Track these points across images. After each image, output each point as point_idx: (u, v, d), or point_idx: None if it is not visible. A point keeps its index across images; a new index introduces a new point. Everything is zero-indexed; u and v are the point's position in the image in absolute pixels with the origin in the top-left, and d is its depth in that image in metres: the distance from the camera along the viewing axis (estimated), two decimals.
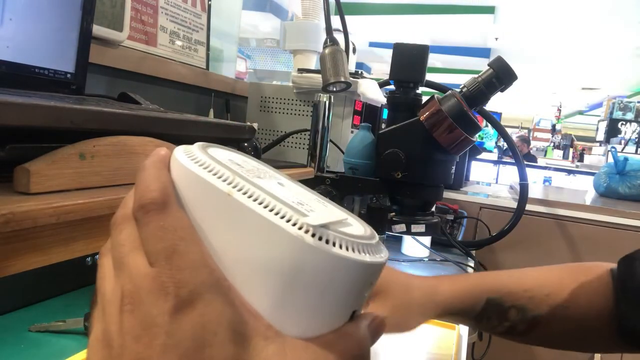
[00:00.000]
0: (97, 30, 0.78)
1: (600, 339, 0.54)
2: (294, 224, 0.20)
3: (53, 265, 0.35)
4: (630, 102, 6.27)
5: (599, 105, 8.82)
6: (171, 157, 0.23)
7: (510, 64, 0.74)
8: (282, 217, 0.20)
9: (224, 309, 0.20)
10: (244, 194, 0.21)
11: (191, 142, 0.24)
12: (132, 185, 0.23)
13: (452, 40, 6.71)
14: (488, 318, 0.55)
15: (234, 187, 0.21)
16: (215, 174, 0.21)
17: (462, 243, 1.34)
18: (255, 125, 1.10)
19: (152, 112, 0.51)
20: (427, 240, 1.28)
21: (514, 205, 1.39)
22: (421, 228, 0.84)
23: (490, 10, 5.35)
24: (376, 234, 0.23)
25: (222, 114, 1.26)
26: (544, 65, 7.71)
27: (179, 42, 1.09)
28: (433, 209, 0.92)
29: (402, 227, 0.83)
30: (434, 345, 0.78)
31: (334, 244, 0.20)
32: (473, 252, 1.35)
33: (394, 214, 0.85)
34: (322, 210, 0.23)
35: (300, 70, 1.16)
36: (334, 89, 0.89)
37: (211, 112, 1.21)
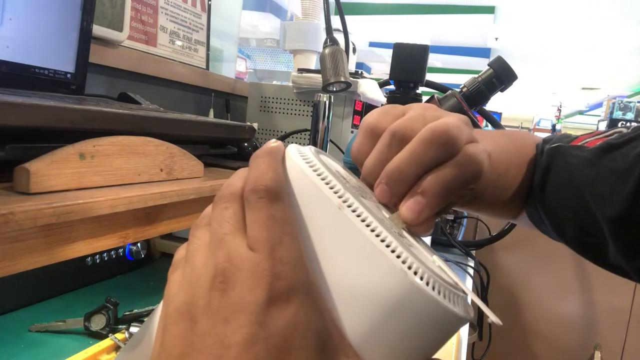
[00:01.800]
0: (97, 30, 0.78)
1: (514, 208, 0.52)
2: (398, 256, 0.19)
3: (53, 265, 0.35)
4: (630, 102, 6.26)
5: (599, 105, 8.81)
6: (285, 154, 0.23)
7: (510, 64, 0.74)
8: (388, 246, 0.19)
9: (315, 314, 0.19)
10: (353, 211, 0.20)
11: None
12: (132, 185, 0.23)
13: (452, 40, 6.70)
14: None
15: (344, 201, 0.20)
16: (327, 183, 0.21)
17: (462, 243, 1.34)
18: (255, 125, 1.10)
19: (152, 112, 0.51)
20: (427, 240, 1.28)
21: None
22: None
23: (490, 10, 5.35)
24: (463, 286, 0.22)
25: (222, 114, 1.26)
26: (544, 65, 7.71)
27: (179, 42, 1.09)
28: None
29: None
30: None
31: (433, 288, 0.19)
32: (473, 252, 1.35)
33: None
34: (420, 247, 0.22)
35: (300, 70, 1.15)
36: (334, 89, 0.89)
37: (211, 112, 1.21)
